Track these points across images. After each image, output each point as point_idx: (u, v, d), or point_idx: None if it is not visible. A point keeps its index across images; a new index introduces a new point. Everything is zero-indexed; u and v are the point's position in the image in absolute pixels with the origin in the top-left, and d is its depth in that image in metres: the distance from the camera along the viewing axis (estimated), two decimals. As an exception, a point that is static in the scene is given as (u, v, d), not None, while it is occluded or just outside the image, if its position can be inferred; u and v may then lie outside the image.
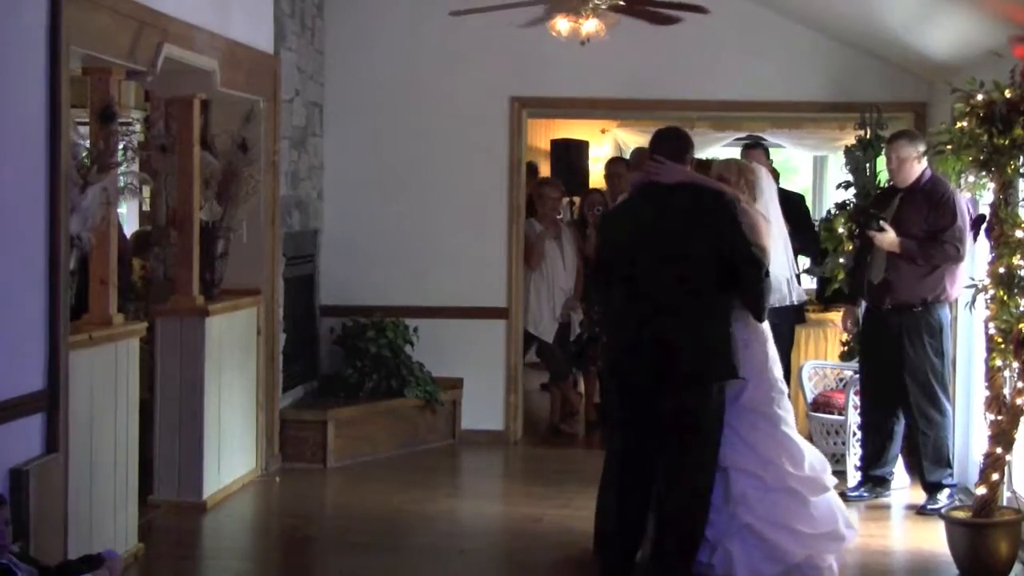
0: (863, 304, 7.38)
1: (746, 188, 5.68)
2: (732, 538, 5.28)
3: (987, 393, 5.80)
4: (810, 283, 9.59)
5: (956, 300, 6.94)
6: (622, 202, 5.98)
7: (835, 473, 7.35)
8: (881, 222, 6.74)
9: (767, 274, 5.28)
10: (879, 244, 6.78)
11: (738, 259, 5.22)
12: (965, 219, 6.65)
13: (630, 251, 5.43)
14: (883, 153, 7.20)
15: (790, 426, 5.49)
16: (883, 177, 7.99)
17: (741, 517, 5.28)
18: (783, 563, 5.28)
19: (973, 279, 6.08)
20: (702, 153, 11.12)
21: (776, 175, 8.87)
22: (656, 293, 5.29)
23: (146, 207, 8.65)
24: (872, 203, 7.38)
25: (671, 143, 5.49)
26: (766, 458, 5.37)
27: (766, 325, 5.52)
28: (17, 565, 4.12)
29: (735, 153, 9.31)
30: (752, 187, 5.71)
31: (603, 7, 6.49)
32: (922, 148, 6.73)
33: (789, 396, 7.85)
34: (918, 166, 6.83)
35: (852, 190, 8.26)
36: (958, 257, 6.68)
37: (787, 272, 5.87)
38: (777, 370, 5.54)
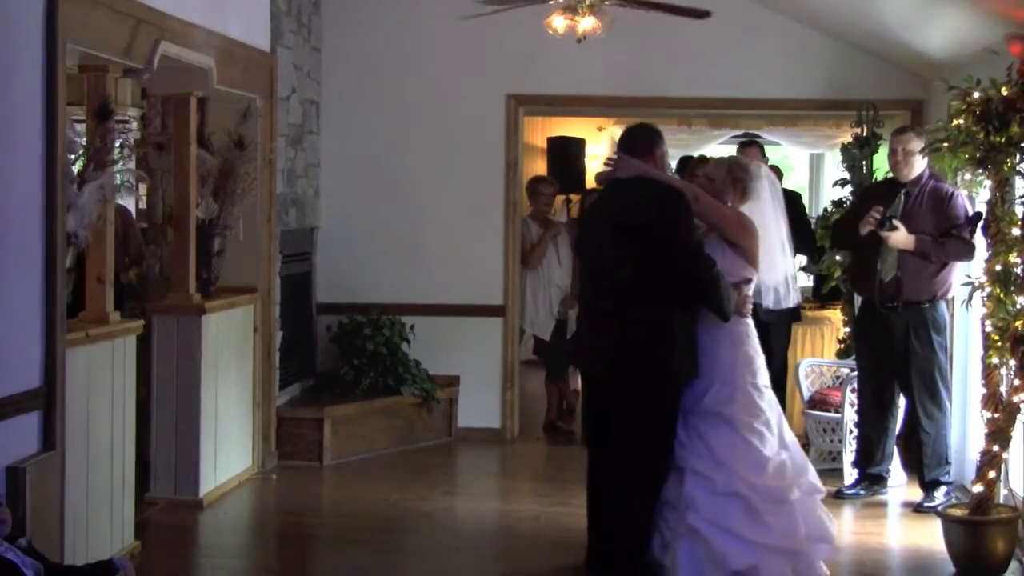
0: (858, 300, 7.39)
1: (731, 187, 5.57)
2: (679, 539, 5.20)
3: (984, 391, 5.80)
4: (807, 281, 9.61)
5: (952, 298, 6.95)
6: (596, 198, 6.07)
7: (832, 471, 7.44)
8: (893, 221, 6.70)
9: (711, 275, 5.17)
10: (892, 244, 6.73)
11: (671, 255, 5.17)
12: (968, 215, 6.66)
13: (586, 245, 5.64)
14: (888, 147, 7.13)
15: (755, 430, 5.27)
16: (880, 175, 8.00)
17: (688, 519, 5.18)
18: (724, 568, 5.14)
19: (970, 277, 6.09)
20: (698, 151, 11.13)
21: (779, 173, 8.89)
22: (601, 288, 5.37)
23: (143, 205, 8.63)
24: (866, 194, 7.36)
25: (631, 139, 5.53)
26: (719, 461, 5.23)
27: (745, 326, 5.41)
28: (23, 560, 4.12)
29: (731, 150, 9.33)
30: (742, 187, 5.58)
31: (606, 3, 6.49)
32: (923, 143, 6.72)
33: (779, 395, 7.92)
34: (922, 161, 6.82)
35: (848, 187, 8.28)
36: (972, 251, 6.59)
37: (782, 275, 5.78)
38: (752, 373, 5.37)
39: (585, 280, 5.73)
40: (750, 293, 5.48)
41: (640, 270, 5.17)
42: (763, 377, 5.43)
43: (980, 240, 6.05)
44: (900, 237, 6.70)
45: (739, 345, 5.39)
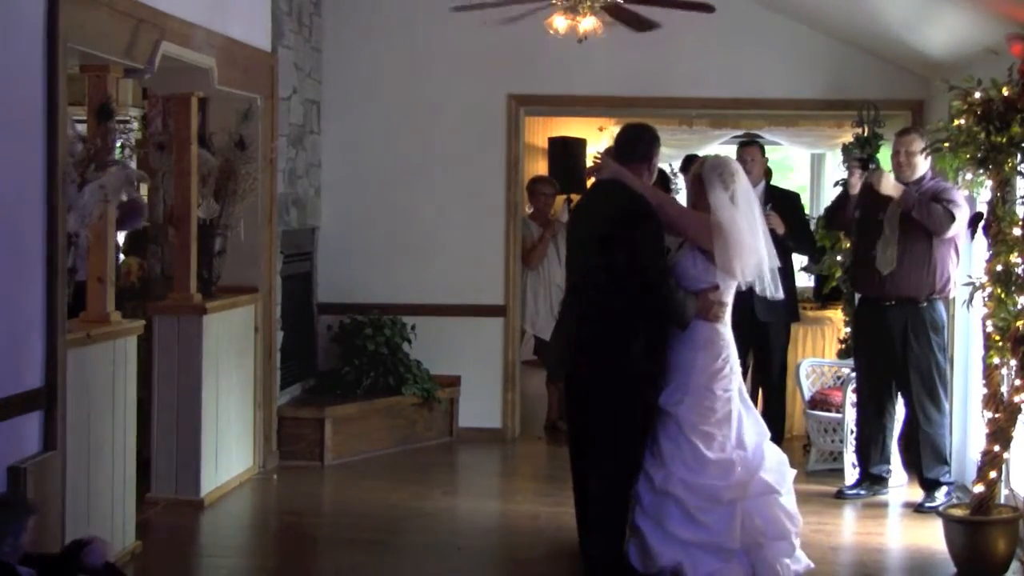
0: (857, 299, 7.39)
1: (696, 186, 5.57)
2: (629, 534, 5.40)
3: (985, 391, 5.80)
4: (808, 281, 9.61)
5: (953, 298, 6.95)
6: (581, 199, 6.27)
7: (832, 471, 7.45)
8: (872, 165, 6.71)
9: (661, 282, 5.28)
10: (883, 188, 6.73)
11: (624, 263, 5.25)
12: (964, 213, 6.64)
13: (568, 245, 5.81)
14: (891, 148, 7.13)
15: (700, 432, 5.34)
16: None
17: (635, 516, 5.37)
18: (655, 563, 5.30)
19: (971, 277, 6.09)
20: (699, 151, 11.12)
21: (768, 173, 8.88)
22: (573, 289, 5.55)
23: (143, 205, 8.62)
24: (866, 192, 7.36)
25: (619, 141, 5.61)
26: (662, 459, 5.36)
27: (714, 331, 5.41)
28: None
29: (732, 150, 9.31)
30: (704, 184, 5.50)
31: (597, 5, 6.48)
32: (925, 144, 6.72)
33: (780, 395, 7.92)
34: (924, 162, 6.81)
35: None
36: (950, 223, 6.58)
37: (753, 260, 5.61)
38: (710, 376, 5.39)
39: (567, 279, 5.84)
40: (727, 300, 5.47)
41: (593, 274, 5.31)
42: (725, 382, 5.43)
43: (981, 240, 6.04)
44: (888, 180, 6.74)
45: (702, 348, 5.42)
